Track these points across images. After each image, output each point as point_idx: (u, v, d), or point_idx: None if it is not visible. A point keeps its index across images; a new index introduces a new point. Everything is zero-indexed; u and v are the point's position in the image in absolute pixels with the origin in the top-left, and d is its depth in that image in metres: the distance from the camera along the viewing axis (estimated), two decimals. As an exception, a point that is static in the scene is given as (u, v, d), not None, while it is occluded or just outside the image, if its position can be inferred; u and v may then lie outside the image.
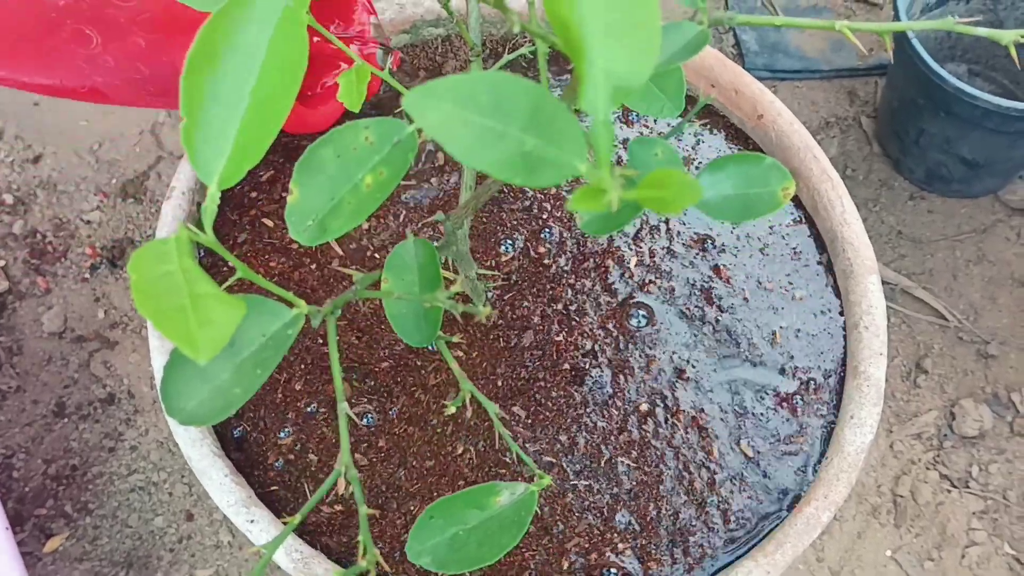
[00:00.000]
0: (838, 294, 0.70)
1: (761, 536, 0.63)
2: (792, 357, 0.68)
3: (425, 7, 0.78)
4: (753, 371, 0.67)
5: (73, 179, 1.14)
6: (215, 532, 0.96)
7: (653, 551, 0.62)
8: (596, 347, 0.67)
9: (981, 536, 0.99)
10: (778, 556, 0.59)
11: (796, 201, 0.74)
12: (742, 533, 0.63)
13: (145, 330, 1.04)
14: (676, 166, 0.42)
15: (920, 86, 1.05)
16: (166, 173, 1.15)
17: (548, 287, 0.69)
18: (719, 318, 0.68)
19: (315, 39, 0.69)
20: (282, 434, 0.65)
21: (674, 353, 0.67)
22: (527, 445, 0.64)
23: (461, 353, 0.67)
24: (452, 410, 0.45)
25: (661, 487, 0.64)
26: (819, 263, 0.71)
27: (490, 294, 0.69)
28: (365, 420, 0.64)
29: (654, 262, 0.70)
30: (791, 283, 0.70)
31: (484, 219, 0.72)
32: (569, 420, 0.65)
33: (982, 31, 0.35)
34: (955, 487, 1.02)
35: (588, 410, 0.65)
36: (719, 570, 0.61)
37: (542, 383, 0.66)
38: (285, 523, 0.56)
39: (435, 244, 0.47)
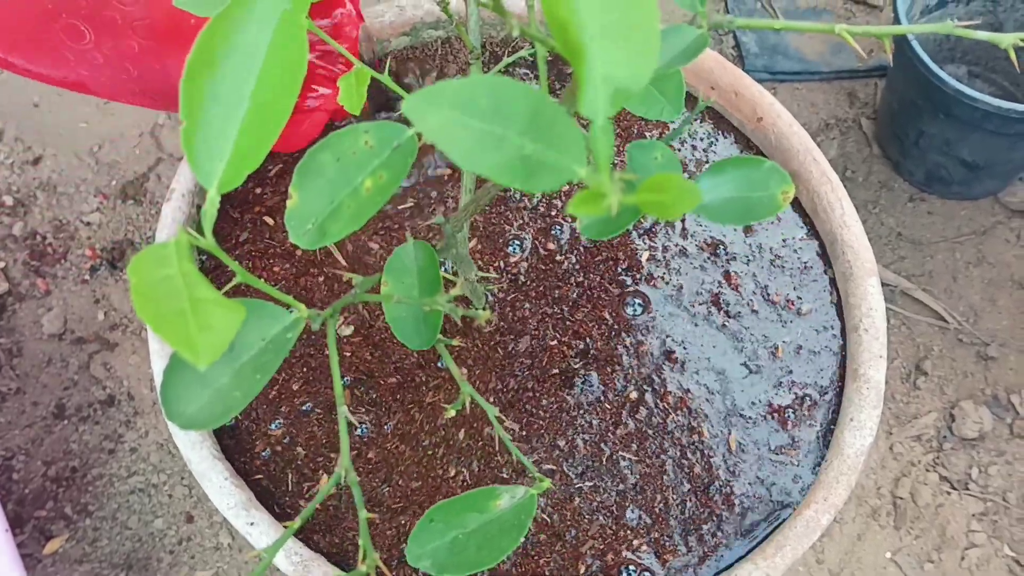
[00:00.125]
0: (841, 315, 0.69)
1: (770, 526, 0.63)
2: (791, 372, 0.68)
3: (425, 9, 0.78)
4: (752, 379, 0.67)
5: (73, 181, 1.14)
6: (215, 534, 0.96)
7: (667, 543, 0.62)
8: (599, 338, 0.67)
9: (981, 538, 0.99)
10: (778, 559, 0.59)
11: (802, 212, 0.73)
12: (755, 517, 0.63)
13: (145, 332, 1.04)
14: (675, 170, 0.42)
15: (920, 88, 1.05)
16: (166, 175, 1.15)
17: (556, 285, 0.69)
18: (726, 323, 0.68)
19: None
20: (273, 425, 0.65)
21: (668, 337, 0.68)
22: (517, 465, 0.63)
23: (465, 371, 0.67)
24: (452, 413, 0.45)
25: (665, 477, 0.64)
26: (828, 279, 0.71)
27: (490, 297, 0.69)
28: (359, 430, 0.64)
29: (666, 259, 0.70)
30: (799, 297, 0.70)
31: (493, 219, 0.72)
32: (564, 424, 0.65)
33: (982, 35, 0.35)
34: (955, 489, 1.02)
35: (582, 411, 0.65)
36: (722, 570, 0.61)
37: (532, 392, 0.66)
38: (285, 526, 0.56)
39: (435, 247, 0.47)
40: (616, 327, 0.68)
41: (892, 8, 1.06)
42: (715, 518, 0.63)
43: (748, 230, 0.72)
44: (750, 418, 0.66)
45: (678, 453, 0.64)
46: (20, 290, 1.07)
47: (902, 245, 1.15)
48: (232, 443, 0.64)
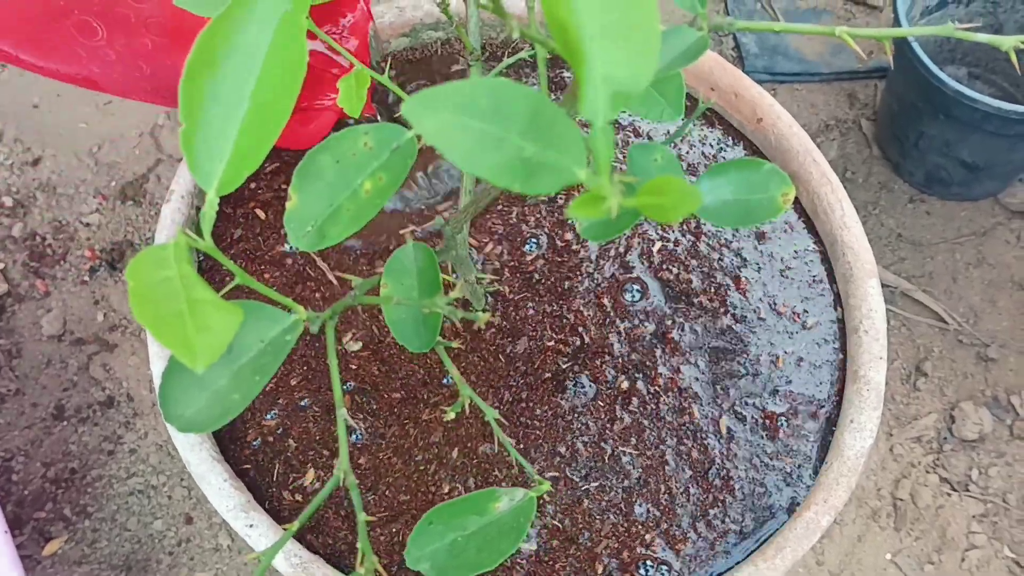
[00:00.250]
0: (843, 333, 0.69)
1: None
2: (790, 382, 0.67)
3: (424, 10, 0.78)
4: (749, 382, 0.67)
5: (72, 181, 1.14)
6: (214, 536, 0.96)
7: (678, 533, 0.62)
8: (593, 327, 0.67)
9: (981, 539, 0.99)
10: (778, 560, 0.59)
11: (809, 223, 0.73)
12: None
13: (144, 333, 1.04)
14: (676, 172, 0.42)
15: (920, 89, 1.05)
16: (165, 176, 1.15)
17: (567, 276, 0.69)
18: (732, 326, 0.68)
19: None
20: (268, 416, 0.65)
21: (664, 326, 0.67)
22: (521, 472, 0.63)
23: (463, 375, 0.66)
24: (451, 416, 0.45)
25: (666, 468, 0.64)
26: (834, 294, 0.70)
27: (488, 299, 0.68)
28: (354, 436, 0.64)
29: (677, 253, 0.70)
30: (805, 311, 0.69)
31: (511, 220, 0.72)
32: (561, 429, 0.65)
33: (982, 37, 0.35)
34: (955, 490, 1.02)
35: (577, 414, 0.65)
36: (722, 572, 0.61)
37: (526, 403, 0.66)
38: (284, 528, 0.56)
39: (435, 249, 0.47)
40: (612, 314, 0.68)
41: (892, 9, 1.06)
42: (720, 504, 0.63)
43: (761, 237, 0.71)
44: (743, 417, 0.66)
45: (675, 441, 0.65)
46: (19, 291, 1.07)
47: (902, 246, 1.15)
48: (223, 430, 0.64)
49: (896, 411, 1.06)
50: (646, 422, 0.65)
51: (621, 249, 0.71)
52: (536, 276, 0.69)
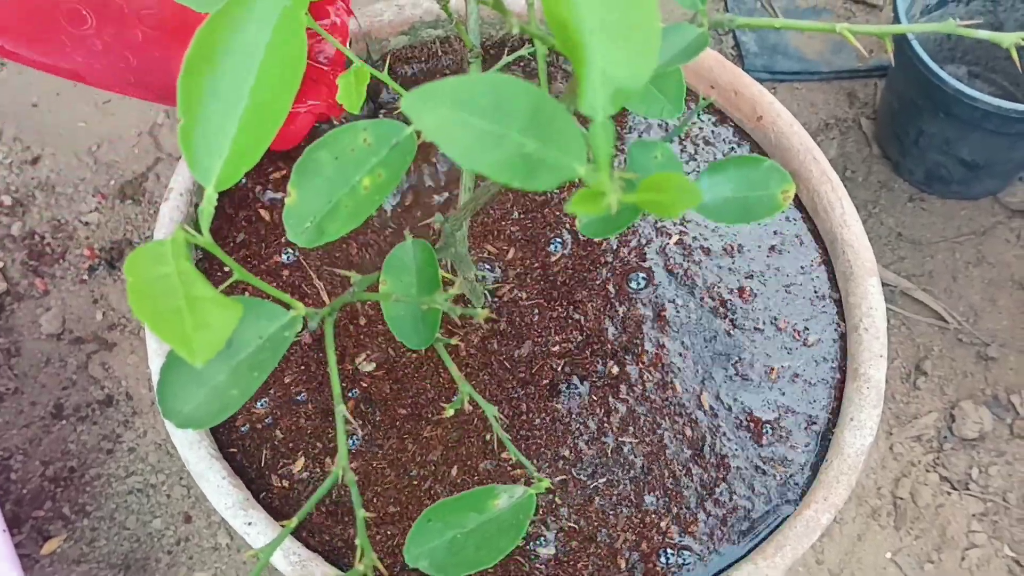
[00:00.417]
0: (844, 351, 0.69)
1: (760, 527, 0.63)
2: (784, 393, 0.67)
3: (424, 8, 0.78)
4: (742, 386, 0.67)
5: (71, 180, 1.14)
6: (213, 534, 0.96)
7: (688, 515, 0.63)
8: (593, 314, 0.67)
9: (981, 538, 0.99)
10: (778, 559, 0.59)
11: (816, 236, 0.73)
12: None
13: (143, 332, 1.04)
14: (675, 169, 0.42)
15: (920, 88, 1.04)
16: (165, 174, 1.15)
17: (589, 269, 0.69)
18: (730, 331, 0.68)
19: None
20: (259, 404, 0.65)
21: (661, 314, 0.67)
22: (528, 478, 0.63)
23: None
24: (450, 412, 0.45)
25: (668, 451, 0.64)
26: (837, 310, 0.70)
27: (487, 297, 0.68)
28: (350, 441, 0.64)
29: (688, 250, 0.70)
30: (807, 328, 0.69)
31: (528, 223, 0.71)
32: (562, 432, 0.65)
33: (983, 34, 0.35)
34: (955, 489, 1.01)
35: (575, 415, 0.65)
36: (721, 570, 0.61)
37: (526, 416, 0.66)
38: (283, 525, 0.56)
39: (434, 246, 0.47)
40: (619, 299, 0.68)
41: (892, 8, 1.06)
42: (723, 482, 0.63)
43: (772, 249, 0.71)
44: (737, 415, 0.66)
45: (669, 423, 0.65)
46: (18, 290, 1.07)
47: (902, 245, 1.15)
48: None
49: (896, 410, 1.06)
50: (640, 409, 0.65)
51: (636, 246, 0.71)
52: (555, 279, 0.69)
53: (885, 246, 1.15)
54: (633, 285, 0.70)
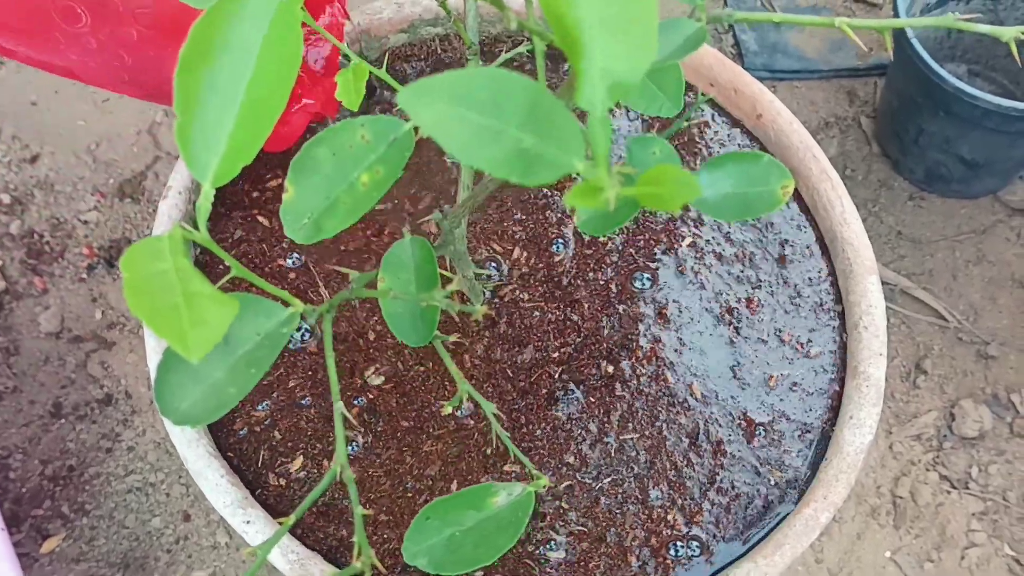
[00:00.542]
0: (844, 367, 0.69)
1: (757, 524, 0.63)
2: (782, 400, 0.67)
3: (423, 6, 0.77)
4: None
5: (70, 179, 1.13)
6: (212, 533, 0.96)
7: (693, 507, 0.63)
8: (589, 314, 0.67)
9: (981, 537, 0.99)
10: (777, 557, 0.59)
11: (825, 247, 0.72)
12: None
13: (142, 330, 1.04)
14: (674, 164, 0.42)
15: (920, 86, 1.04)
16: (163, 173, 1.15)
17: (594, 269, 0.69)
18: (733, 339, 0.68)
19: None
20: (260, 407, 0.64)
21: (662, 312, 0.67)
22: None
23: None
24: (448, 410, 0.45)
25: (668, 443, 0.64)
26: (839, 324, 0.70)
27: (487, 293, 0.68)
28: (350, 447, 0.63)
29: (700, 256, 0.70)
30: (810, 340, 0.69)
31: (530, 225, 0.71)
32: (564, 439, 0.65)
33: (983, 28, 0.34)
34: (955, 488, 1.01)
35: (575, 419, 0.65)
36: (720, 569, 0.61)
37: (527, 427, 0.66)
38: (280, 523, 0.56)
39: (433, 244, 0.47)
40: (620, 296, 0.68)
41: (892, 6, 1.06)
42: (722, 469, 0.63)
43: (782, 260, 0.71)
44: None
45: (666, 414, 0.65)
46: (17, 288, 1.06)
47: (902, 244, 1.15)
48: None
49: (896, 409, 1.05)
50: (637, 404, 0.65)
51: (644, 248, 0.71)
52: (559, 279, 0.69)
53: (885, 245, 1.15)
54: (637, 285, 0.70)
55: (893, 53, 1.10)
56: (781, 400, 0.66)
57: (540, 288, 0.69)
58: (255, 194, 0.73)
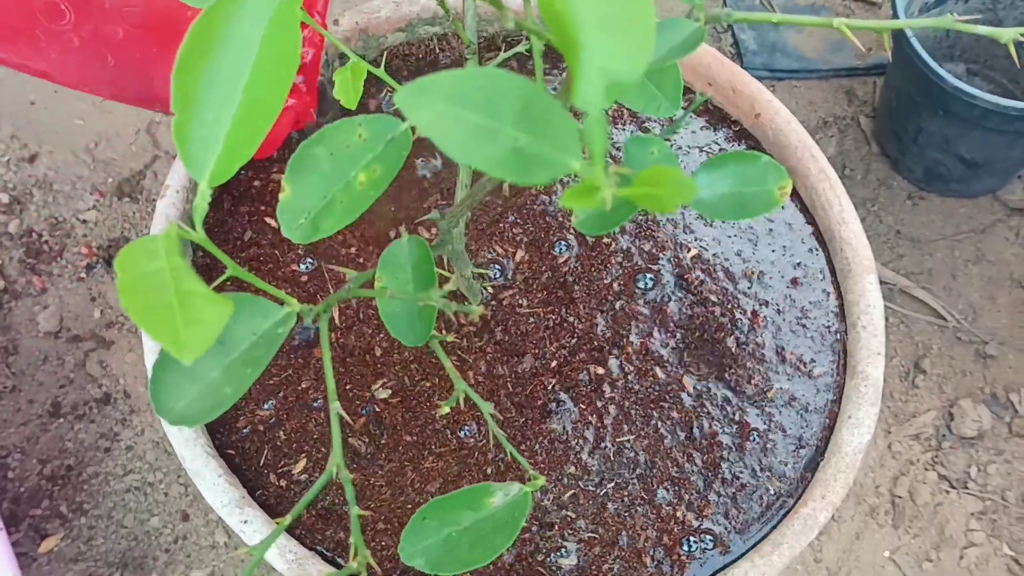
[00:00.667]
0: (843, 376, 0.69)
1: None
2: (780, 412, 0.67)
3: (421, 5, 0.77)
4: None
5: (69, 178, 1.13)
6: (211, 533, 0.96)
7: (699, 501, 0.63)
8: (585, 315, 0.67)
9: (980, 537, 0.99)
10: (775, 557, 0.59)
11: (830, 268, 0.72)
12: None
13: (141, 330, 1.04)
14: (672, 165, 0.42)
15: (919, 85, 1.04)
16: (162, 172, 1.15)
17: (598, 276, 0.69)
18: (735, 350, 0.68)
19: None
20: (266, 405, 0.64)
21: (662, 314, 0.67)
22: (542, 498, 0.63)
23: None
24: (446, 410, 0.45)
25: (665, 441, 0.64)
26: (842, 346, 0.69)
27: (486, 291, 0.68)
28: (355, 459, 0.63)
29: (706, 267, 0.70)
30: (813, 360, 0.68)
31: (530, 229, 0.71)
32: (563, 450, 0.65)
33: (981, 29, 0.34)
34: (953, 488, 1.01)
35: (572, 427, 0.65)
36: (719, 569, 0.61)
37: (527, 444, 0.66)
38: (277, 523, 0.56)
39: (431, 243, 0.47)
40: (616, 298, 0.68)
41: (891, 6, 1.05)
42: (723, 460, 0.64)
43: (794, 282, 0.70)
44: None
45: (661, 414, 0.65)
46: (16, 288, 1.06)
47: (901, 243, 1.15)
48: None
49: (895, 408, 1.05)
50: (627, 404, 0.65)
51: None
52: (563, 280, 0.69)
53: (884, 244, 1.15)
54: (640, 285, 0.70)
55: (892, 53, 1.10)
56: (779, 412, 0.66)
57: (540, 295, 0.69)
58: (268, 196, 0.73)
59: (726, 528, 0.62)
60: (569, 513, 0.62)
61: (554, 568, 0.60)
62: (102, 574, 0.93)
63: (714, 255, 0.71)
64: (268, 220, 0.71)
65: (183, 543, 0.95)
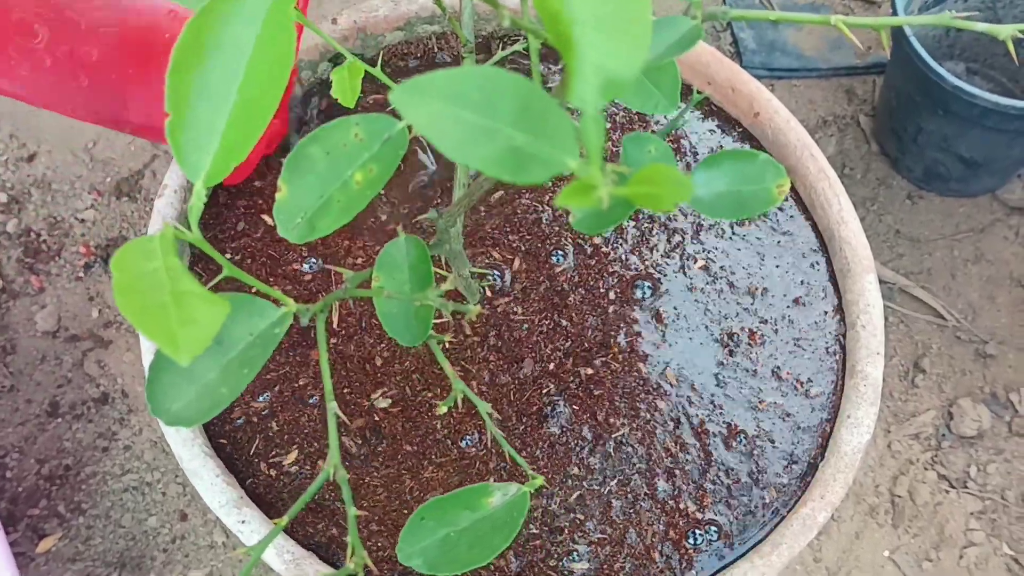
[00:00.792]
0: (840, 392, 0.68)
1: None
2: (773, 423, 0.67)
3: (419, 4, 0.77)
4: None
5: (67, 178, 1.13)
6: (209, 532, 0.96)
7: (696, 491, 0.63)
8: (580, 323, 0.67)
9: (979, 536, 0.99)
10: (774, 557, 0.58)
11: (837, 287, 0.72)
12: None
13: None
14: (669, 163, 0.42)
15: (918, 84, 1.04)
16: (161, 172, 1.15)
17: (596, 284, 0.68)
18: (737, 363, 0.68)
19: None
20: (261, 398, 0.64)
21: (655, 321, 0.67)
22: (548, 503, 0.63)
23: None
24: (443, 410, 0.45)
25: (658, 432, 0.64)
26: (836, 359, 0.69)
27: (485, 290, 0.68)
28: (348, 460, 0.63)
29: (706, 279, 0.70)
30: (810, 380, 0.68)
31: (527, 237, 0.71)
32: (564, 454, 0.65)
33: (979, 26, 0.34)
34: (953, 487, 1.01)
35: (568, 431, 0.65)
36: (719, 570, 0.61)
37: (528, 450, 0.66)
38: (275, 523, 0.55)
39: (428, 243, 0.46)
40: (608, 302, 0.68)
41: (890, 4, 1.05)
42: (714, 449, 0.64)
43: (796, 301, 0.70)
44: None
45: (648, 406, 0.65)
46: (14, 287, 1.06)
47: (900, 242, 1.15)
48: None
49: (894, 408, 1.05)
50: (617, 399, 0.65)
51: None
52: (562, 288, 0.69)
53: (883, 243, 1.15)
54: (640, 292, 0.70)
55: (891, 51, 1.10)
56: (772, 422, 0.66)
57: (538, 304, 0.69)
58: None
59: (729, 520, 0.62)
60: (578, 516, 0.62)
61: (567, 573, 0.60)
62: (100, 574, 0.93)
63: (721, 266, 0.71)
64: (264, 217, 0.71)
65: (181, 543, 0.95)
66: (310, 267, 0.69)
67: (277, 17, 0.33)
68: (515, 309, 0.68)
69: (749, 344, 0.68)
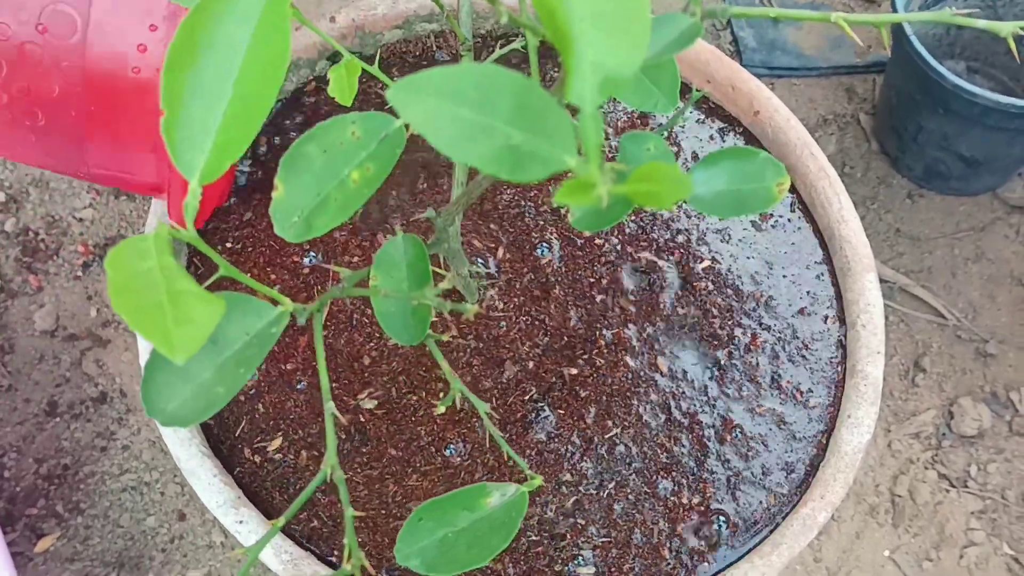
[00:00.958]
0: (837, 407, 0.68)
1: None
2: (767, 433, 0.67)
3: (418, 2, 0.77)
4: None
5: (66, 176, 1.13)
6: (207, 532, 0.95)
7: (695, 483, 0.63)
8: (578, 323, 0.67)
9: (980, 536, 0.98)
10: (774, 557, 0.58)
11: (841, 299, 0.71)
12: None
13: (138, 329, 1.03)
14: (668, 161, 0.42)
15: (919, 83, 1.04)
16: (159, 170, 1.14)
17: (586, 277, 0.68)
18: (734, 363, 0.67)
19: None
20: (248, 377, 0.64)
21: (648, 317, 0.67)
22: (548, 508, 0.62)
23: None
24: (442, 410, 0.45)
25: (648, 429, 0.64)
26: (840, 372, 0.69)
27: (483, 290, 0.68)
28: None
29: (710, 287, 0.70)
30: (810, 390, 0.67)
31: (510, 229, 0.71)
32: (554, 461, 0.64)
33: (980, 23, 0.34)
34: (953, 487, 1.01)
35: (556, 437, 0.65)
36: (718, 571, 0.61)
37: (527, 455, 0.65)
38: (272, 523, 0.55)
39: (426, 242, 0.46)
40: (608, 302, 0.67)
41: (891, 3, 1.05)
42: (708, 440, 0.64)
43: (801, 312, 0.69)
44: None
45: (639, 403, 0.64)
46: (12, 286, 1.06)
47: (900, 241, 1.15)
48: None
49: (895, 407, 1.05)
50: (606, 397, 0.65)
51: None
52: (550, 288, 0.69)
53: (884, 242, 1.14)
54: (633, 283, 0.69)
55: (891, 50, 1.10)
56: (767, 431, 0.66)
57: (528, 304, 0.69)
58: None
59: (735, 511, 0.62)
60: (578, 521, 0.61)
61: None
62: (98, 574, 0.93)
63: (727, 269, 0.71)
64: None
65: (179, 543, 0.95)
66: (310, 260, 0.69)
67: (272, 16, 0.33)
68: (517, 309, 0.68)
69: (749, 348, 0.67)
